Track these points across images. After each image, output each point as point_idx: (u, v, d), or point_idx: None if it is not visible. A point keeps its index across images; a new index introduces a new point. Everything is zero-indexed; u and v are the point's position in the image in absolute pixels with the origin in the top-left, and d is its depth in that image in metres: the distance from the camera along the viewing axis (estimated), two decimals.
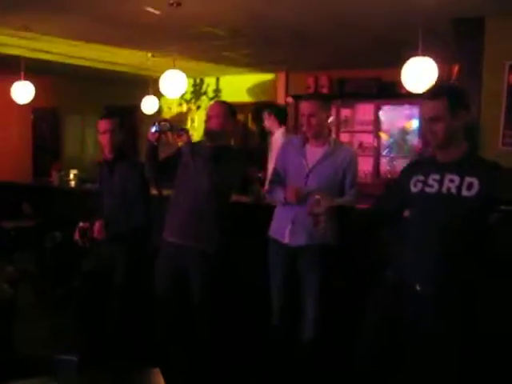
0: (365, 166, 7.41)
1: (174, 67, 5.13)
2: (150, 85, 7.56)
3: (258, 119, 6.53)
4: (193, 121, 9.39)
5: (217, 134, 3.41)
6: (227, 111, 3.46)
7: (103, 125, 3.74)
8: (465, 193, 2.42)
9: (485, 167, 2.48)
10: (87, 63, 7.89)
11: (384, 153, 7.88)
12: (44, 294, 4.68)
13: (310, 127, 3.31)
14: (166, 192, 4.27)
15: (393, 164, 7.78)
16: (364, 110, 8.00)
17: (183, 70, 5.18)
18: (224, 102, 3.61)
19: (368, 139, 7.88)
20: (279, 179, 3.46)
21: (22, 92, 5.91)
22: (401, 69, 4.27)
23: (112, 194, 3.76)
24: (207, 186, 3.26)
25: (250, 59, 7.42)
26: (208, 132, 3.44)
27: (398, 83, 5.49)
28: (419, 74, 3.97)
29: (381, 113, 7.82)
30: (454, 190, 2.45)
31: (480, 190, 2.40)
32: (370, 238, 3.84)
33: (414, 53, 4.10)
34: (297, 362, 3.40)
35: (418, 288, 2.50)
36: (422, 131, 2.82)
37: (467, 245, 2.48)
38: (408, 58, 4.17)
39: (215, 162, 3.28)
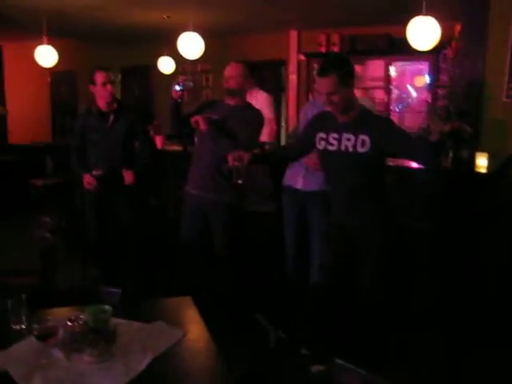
0: None
1: (190, 29, 5.33)
2: (165, 45, 7.73)
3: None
4: (208, 80, 9.58)
5: (236, 93, 3.64)
6: (245, 71, 3.68)
7: (104, 76, 3.99)
8: (360, 149, 2.75)
9: (375, 124, 2.79)
10: (104, 25, 8.07)
11: (397, 108, 8.07)
12: (75, 246, 4.99)
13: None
14: (189, 148, 4.58)
15: (403, 118, 7.99)
16: (375, 67, 8.15)
17: (197, 29, 5.35)
18: (242, 62, 3.81)
19: (379, 95, 8.06)
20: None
21: (46, 56, 6.14)
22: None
23: (112, 142, 4.06)
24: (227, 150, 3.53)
25: (262, 18, 7.57)
26: (228, 91, 3.66)
27: (407, 39, 5.63)
28: (423, 32, 4.16)
29: (391, 69, 7.98)
30: (350, 149, 2.78)
31: (371, 145, 2.72)
32: None
33: (419, 10, 4.25)
34: (304, 305, 3.67)
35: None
36: (322, 103, 3.10)
37: (370, 192, 2.88)
38: (414, 15, 4.34)
39: (236, 121, 3.54)
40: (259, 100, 5.69)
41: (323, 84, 2.74)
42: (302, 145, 3.20)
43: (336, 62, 2.80)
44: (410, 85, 8.12)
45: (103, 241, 4.27)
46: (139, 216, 4.28)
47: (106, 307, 2.07)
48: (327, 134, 2.88)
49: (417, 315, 3.72)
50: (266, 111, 5.92)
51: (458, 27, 4.99)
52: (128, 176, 4.05)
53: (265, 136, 5.84)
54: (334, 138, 2.84)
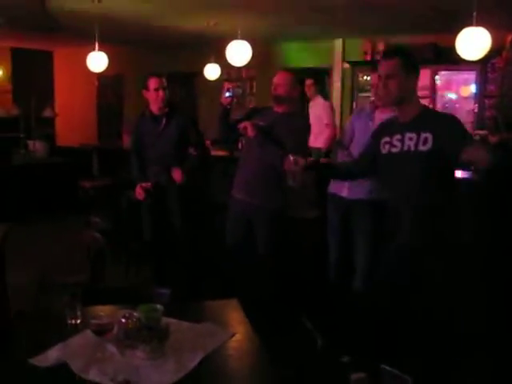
0: None
1: (238, 36, 5.41)
2: (212, 51, 7.86)
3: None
4: (252, 87, 9.67)
5: (284, 100, 3.70)
6: (293, 79, 3.73)
7: (157, 82, 4.13)
8: (421, 147, 2.65)
9: (438, 121, 2.69)
10: (153, 32, 8.25)
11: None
12: (120, 249, 5.11)
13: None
14: (235, 153, 4.66)
15: None
16: (421, 75, 8.08)
17: (243, 36, 5.43)
18: (290, 71, 3.87)
19: (425, 103, 7.99)
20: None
21: (97, 62, 6.33)
22: (457, 34, 4.36)
23: (165, 144, 4.16)
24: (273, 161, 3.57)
25: (308, 26, 7.61)
26: (276, 99, 3.72)
27: (454, 48, 5.59)
28: (473, 43, 4.13)
29: (437, 78, 7.92)
30: (412, 147, 2.68)
31: (433, 143, 2.61)
32: None
33: (469, 21, 4.23)
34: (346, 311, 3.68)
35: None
36: (376, 90, 3.09)
37: (435, 205, 2.72)
38: (463, 26, 4.31)
39: (283, 129, 3.60)
40: (320, 107, 6.02)
41: (384, 65, 2.71)
42: (365, 157, 3.09)
43: (402, 50, 2.84)
44: (457, 94, 8.04)
45: (156, 242, 4.36)
46: (190, 218, 4.34)
47: (158, 306, 2.14)
48: (391, 137, 2.81)
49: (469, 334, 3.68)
50: (325, 117, 6.19)
51: (509, 37, 4.92)
52: (177, 174, 4.11)
53: (322, 141, 6.07)
54: (398, 140, 2.77)
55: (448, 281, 2.77)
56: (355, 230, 3.75)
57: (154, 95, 4.13)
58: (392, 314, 2.89)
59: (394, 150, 2.78)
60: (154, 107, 4.20)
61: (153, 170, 4.23)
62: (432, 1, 5.43)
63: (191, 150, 4.27)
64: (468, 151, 2.44)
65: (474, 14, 4.13)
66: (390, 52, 2.79)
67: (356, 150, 3.62)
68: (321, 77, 7.96)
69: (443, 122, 2.69)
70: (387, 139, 2.83)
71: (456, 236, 2.82)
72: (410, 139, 2.70)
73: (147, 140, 4.27)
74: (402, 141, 2.74)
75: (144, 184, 4.17)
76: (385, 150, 2.84)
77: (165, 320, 2.11)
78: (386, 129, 2.90)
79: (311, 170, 3.00)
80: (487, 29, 4.17)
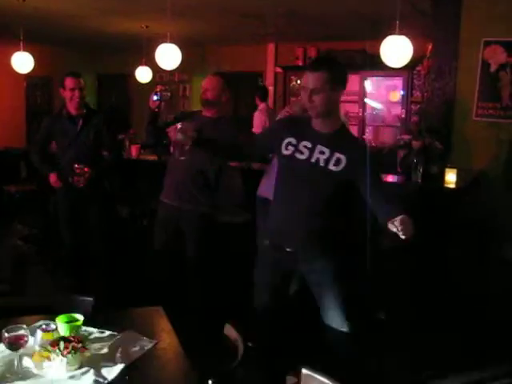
0: None
1: (168, 40, 5.36)
2: (143, 54, 7.76)
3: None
4: (185, 90, 9.62)
5: (213, 104, 3.69)
6: (222, 84, 3.73)
7: (74, 82, 4.07)
8: (332, 167, 2.56)
9: (354, 145, 2.64)
10: (82, 33, 8.08)
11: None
12: (47, 254, 4.96)
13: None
14: (163, 157, 4.62)
15: (378, 132, 8.15)
16: (350, 81, 8.26)
17: (176, 39, 5.41)
18: (219, 75, 3.86)
19: (354, 109, 8.19)
20: None
21: (22, 62, 6.12)
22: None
23: (83, 146, 4.12)
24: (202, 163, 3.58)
25: (240, 32, 7.66)
26: (204, 103, 3.71)
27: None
28: (396, 51, 4.25)
29: (366, 83, 8.13)
30: (322, 163, 2.57)
31: (346, 166, 2.54)
32: None
33: (393, 29, 4.36)
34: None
35: (287, 249, 2.70)
36: (302, 100, 2.97)
37: (331, 208, 2.65)
38: (388, 34, 4.44)
39: (212, 133, 3.59)
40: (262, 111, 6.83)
41: (311, 79, 2.53)
42: (262, 142, 2.96)
43: (330, 62, 2.66)
44: (384, 100, 8.27)
45: (76, 248, 4.28)
46: (109, 224, 4.30)
47: (77, 316, 2.09)
48: (298, 140, 2.64)
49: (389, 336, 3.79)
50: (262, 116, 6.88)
51: (429, 46, 5.11)
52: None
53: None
54: (306, 147, 2.62)
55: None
56: None
57: (70, 94, 4.08)
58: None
59: (299, 155, 2.64)
60: (70, 107, 4.15)
61: (68, 171, 4.11)
62: (359, 9, 5.57)
63: (105, 153, 4.24)
64: (395, 221, 2.33)
65: (397, 22, 4.25)
66: (317, 64, 2.60)
67: None
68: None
69: (358, 148, 2.65)
70: (292, 141, 2.67)
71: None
72: (322, 153, 2.60)
73: (62, 141, 4.21)
74: (311, 150, 2.62)
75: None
76: (287, 151, 2.67)
77: (85, 330, 2.06)
78: (294, 129, 2.72)
79: (198, 144, 2.78)
80: (409, 37, 4.31)
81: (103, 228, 4.28)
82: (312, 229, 2.66)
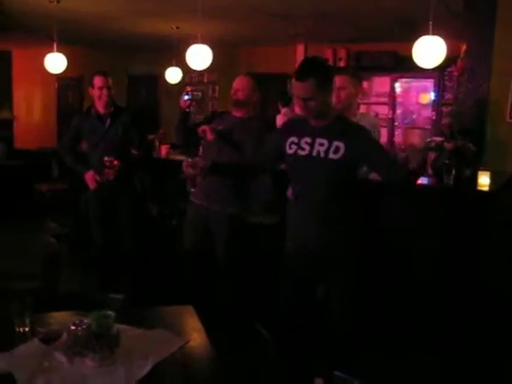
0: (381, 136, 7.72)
1: (199, 40, 5.39)
2: (173, 55, 7.81)
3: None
4: (214, 91, 9.65)
5: (243, 105, 3.69)
6: (253, 84, 3.73)
7: (102, 80, 4.13)
8: (332, 155, 2.62)
9: (351, 132, 2.68)
10: (113, 34, 8.17)
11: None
12: (79, 252, 5.02)
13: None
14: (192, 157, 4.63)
15: (408, 134, 8.06)
16: (380, 83, 8.23)
17: (206, 40, 5.44)
18: (250, 76, 3.85)
19: (384, 111, 8.13)
20: None
21: (55, 63, 6.21)
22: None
23: (110, 145, 4.15)
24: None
25: (270, 33, 7.65)
26: (235, 103, 3.71)
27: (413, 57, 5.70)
28: (429, 51, 4.19)
29: (396, 85, 8.06)
30: (322, 154, 2.64)
31: (345, 152, 2.60)
32: None
33: (426, 30, 4.30)
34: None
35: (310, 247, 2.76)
36: (297, 106, 3.11)
37: (339, 198, 2.70)
38: (420, 35, 4.39)
39: (242, 133, 3.59)
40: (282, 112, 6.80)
41: (300, 89, 2.61)
42: (269, 151, 3.03)
43: (314, 67, 2.67)
44: (415, 102, 8.19)
45: (106, 247, 4.32)
46: (140, 222, 4.33)
47: (109, 313, 2.10)
48: (299, 138, 2.74)
49: (420, 333, 3.74)
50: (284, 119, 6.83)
51: (464, 46, 5.04)
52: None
53: None
54: (307, 143, 2.70)
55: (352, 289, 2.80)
56: None
57: (98, 93, 4.13)
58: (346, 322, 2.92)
59: (301, 152, 2.72)
60: (99, 106, 4.20)
61: (98, 168, 4.14)
62: (391, 10, 5.52)
63: (133, 151, 4.27)
64: None
65: (430, 23, 4.20)
66: (304, 73, 2.61)
67: None
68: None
69: (356, 133, 2.69)
70: (294, 139, 2.76)
71: (356, 244, 2.79)
72: (321, 145, 2.66)
73: (91, 139, 4.26)
74: (311, 145, 2.69)
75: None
76: (291, 150, 2.76)
77: (116, 327, 2.07)
78: (295, 128, 2.82)
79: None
80: (443, 38, 4.25)
81: (134, 226, 4.31)
82: (327, 222, 2.71)
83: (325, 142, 2.65)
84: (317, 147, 2.67)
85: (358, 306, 2.91)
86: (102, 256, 4.34)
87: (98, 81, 4.14)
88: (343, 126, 2.70)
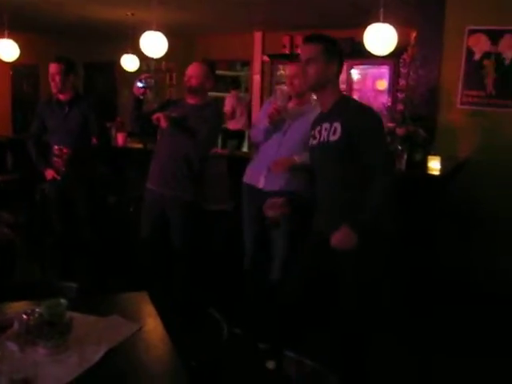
0: None
1: (154, 27, 5.35)
2: (129, 42, 7.72)
3: None
4: (172, 78, 9.59)
5: (196, 91, 3.71)
6: (206, 71, 3.75)
7: (54, 67, 4.14)
8: (332, 137, 2.61)
9: (349, 111, 2.64)
10: (66, 20, 8.01)
11: None
12: (35, 242, 4.98)
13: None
14: (149, 146, 4.63)
15: None
16: None
17: (160, 27, 5.40)
18: (203, 62, 3.90)
19: None
20: None
21: (7, 50, 6.08)
22: None
23: (68, 132, 4.17)
24: (187, 148, 3.61)
25: (227, 21, 7.63)
26: (189, 90, 3.73)
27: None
28: (380, 38, 4.28)
29: (353, 72, 8.15)
30: (325, 138, 2.66)
31: (341, 132, 2.57)
32: None
33: (377, 17, 4.38)
34: (264, 302, 3.74)
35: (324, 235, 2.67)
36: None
37: (349, 187, 2.63)
38: (373, 21, 4.46)
39: (196, 120, 3.61)
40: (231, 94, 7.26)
41: (305, 49, 2.66)
42: None
43: (326, 37, 2.69)
44: (371, 88, 8.30)
45: (66, 235, 4.32)
46: (97, 211, 4.34)
47: (62, 301, 2.10)
48: (314, 129, 2.78)
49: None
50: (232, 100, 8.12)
51: (413, 34, 5.14)
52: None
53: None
54: (318, 131, 2.74)
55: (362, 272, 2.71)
56: None
57: (51, 79, 4.15)
58: (303, 302, 2.97)
59: (314, 142, 2.77)
60: (55, 92, 4.21)
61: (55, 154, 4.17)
62: None
63: (94, 140, 4.27)
64: (335, 238, 2.50)
65: (381, 10, 4.28)
66: (313, 36, 2.66)
67: (257, 132, 3.70)
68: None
69: (354, 113, 2.63)
70: (312, 132, 2.80)
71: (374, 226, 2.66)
72: (326, 129, 2.67)
73: (51, 125, 4.28)
74: (320, 132, 2.71)
75: (57, 147, 4.14)
76: (310, 143, 2.82)
77: (69, 314, 2.08)
78: (314, 123, 2.84)
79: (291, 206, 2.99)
80: (394, 25, 4.33)
81: (91, 215, 4.30)
82: (339, 213, 2.66)
83: (327, 125, 2.67)
84: (323, 133, 2.68)
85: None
86: (61, 244, 4.34)
87: (50, 67, 4.16)
88: (342, 106, 2.68)
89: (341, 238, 2.51)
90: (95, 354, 1.90)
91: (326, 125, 2.68)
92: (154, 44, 5.26)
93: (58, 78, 4.12)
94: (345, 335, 2.77)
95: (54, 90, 4.18)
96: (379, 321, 3.16)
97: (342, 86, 8.12)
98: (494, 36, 4.77)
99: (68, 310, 2.07)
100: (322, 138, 2.69)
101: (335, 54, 2.66)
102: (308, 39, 2.67)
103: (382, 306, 3.19)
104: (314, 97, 3.33)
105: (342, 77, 7.89)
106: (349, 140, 2.57)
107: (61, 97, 4.22)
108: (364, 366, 2.78)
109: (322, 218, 2.78)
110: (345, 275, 2.70)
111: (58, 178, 4.14)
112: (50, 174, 4.20)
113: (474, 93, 4.91)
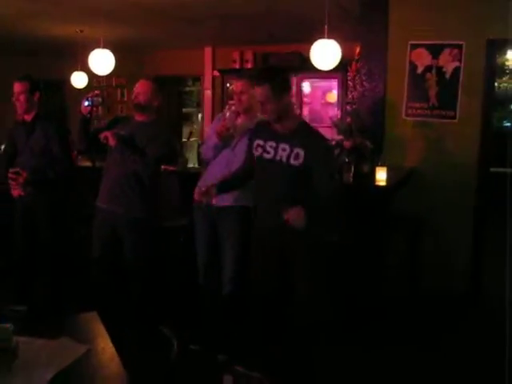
0: None
1: (102, 45, 5.34)
2: (79, 59, 7.65)
3: None
4: (122, 94, 9.53)
5: (144, 109, 3.72)
6: (154, 88, 3.76)
7: (17, 86, 4.02)
8: (292, 161, 2.88)
9: (311, 140, 2.93)
10: (13, 36, 7.88)
11: None
12: None
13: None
14: (98, 163, 4.59)
15: None
16: None
17: (110, 44, 5.39)
18: (151, 79, 3.88)
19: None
20: None
21: None
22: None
23: (31, 153, 4.03)
24: (134, 167, 3.61)
25: (177, 36, 7.66)
26: (136, 107, 3.73)
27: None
28: (325, 54, 4.39)
29: (304, 85, 8.28)
30: (284, 159, 2.91)
31: (304, 159, 2.85)
32: None
33: (322, 33, 4.47)
34: (217, 315, 3.76)
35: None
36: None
37: (296, 194, 2.90)
38: (318, 37, 4.56)
39: (143, 137, 3.62)
40: None
41: (258, 93, 2.89)
42: (249, 159, 3.20)
43: (269, 73, 2.95)
44: (321, 101, 8.45)
45: (27, 256, 4.19)
46: (58, 233, 4.20)
47: (8, 325, 2.07)
48: (265, 141, 2.99)
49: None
50: None
51: (357, 49, 5.28)
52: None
53: None
54: (271, 147, 2.96)
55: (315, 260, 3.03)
56: (223, 235, 3.79)
57: (15, 99, 4.03)
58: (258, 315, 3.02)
59: (266, 155, 2.97)
60: (20, 112, 4.08)
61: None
62: (291, 12, 5.68)
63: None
64: (288, 213, 2.71)
65: (326, 26, 4.38)
66: (260, 78, 2.91)
67: (207, 149, 3.77)
68: None
69: (315, 142, 2.92)
70: (260, 142, 3.01)
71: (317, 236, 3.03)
72: (283, 150, 2.90)
73: (18, 146, 4.15)
74: (275, 149, 2.94)
75: (12, 169, 3.96)
76: (257, 152, 3.02)
77: (16, 339, 2.04)
78: (260, 132, 3.07)
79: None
80: (338, 40, 4.44)
81: (49, 237, 4.15)
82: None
83: (286, 147, 2.90)
84: (280, 152, 2.92)
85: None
86: (21, 265, 4.21)
87: (15, 87, 4.03)
88: (305, 134, 2.94)
89: (293, 213, 2.72)
90: (42, 378, 1.88)
91: (283, 145, 2.91)
92: (102, 61, 5.25)
93: (22, 98, 3.99)
94: (297, 328, 3.02)
95: (19, 111, 4.04)
96: (325, 332, 3.24)
97: (293, 99, 8.24)
98: (435, 50, 4.95)
99: (15, 335, 2.05)
100: (278, 157, 2.92)
101: (284, 86, 2.92)
102: (256, 82, 2.90)
103: (327, 318, 3.32)
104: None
105: (292, 91, 8.12)
106: (308, 167, 2.86)
107: (26, 117, 4.09)
108: (313, 366, 2.96)
109: (266, 214, 3.04)
110: (296, 256, 2.99)
111: (23, 194, 4.00)
112: (15, 192, 4.03)
113: (417, 105, 5.07)
